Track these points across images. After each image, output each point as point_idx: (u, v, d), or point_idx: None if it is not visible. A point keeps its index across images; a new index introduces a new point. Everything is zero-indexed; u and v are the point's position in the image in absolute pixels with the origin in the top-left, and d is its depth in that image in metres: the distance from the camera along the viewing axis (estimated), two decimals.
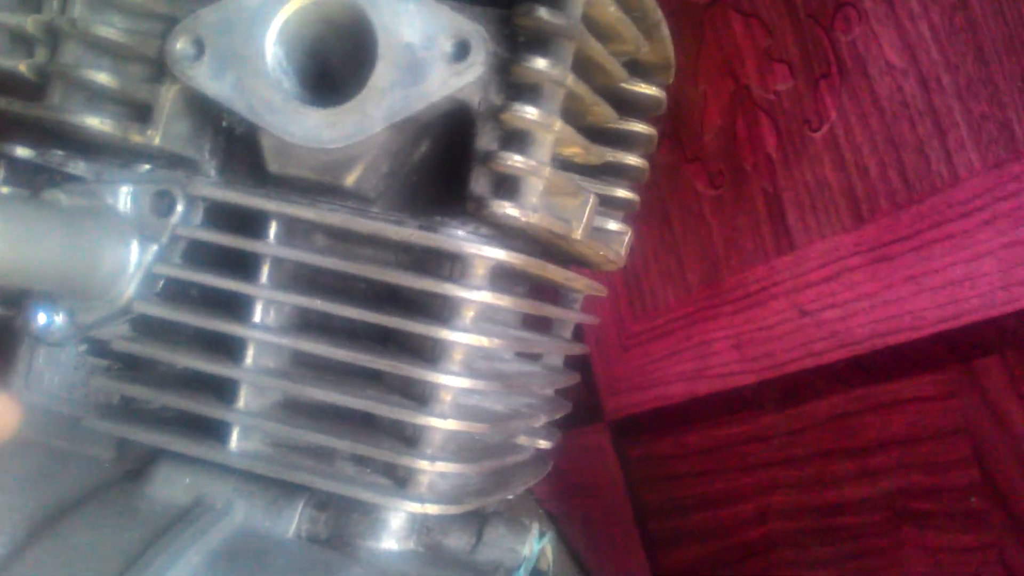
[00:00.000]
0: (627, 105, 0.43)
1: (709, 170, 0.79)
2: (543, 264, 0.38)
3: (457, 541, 0.39)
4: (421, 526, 0.38)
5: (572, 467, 0.83)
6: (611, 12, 0.36)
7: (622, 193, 0.45)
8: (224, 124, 0.39)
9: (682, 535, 0.88)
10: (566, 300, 0.48)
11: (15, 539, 0.35)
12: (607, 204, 0.44)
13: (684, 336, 0.84)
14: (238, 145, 0.40)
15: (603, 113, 0.38)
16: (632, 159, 0.44)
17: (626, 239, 0.46)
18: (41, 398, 0.40)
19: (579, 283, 0.43)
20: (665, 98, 0.45)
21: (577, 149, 0.37)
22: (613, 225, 0.45)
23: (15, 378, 0.41)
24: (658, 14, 0.41)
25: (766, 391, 0.78)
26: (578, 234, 0.38)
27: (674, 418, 0.85)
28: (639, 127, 0.44)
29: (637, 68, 0.43)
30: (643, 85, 0.43)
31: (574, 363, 0.51)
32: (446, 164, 0.39)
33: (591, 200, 0.38)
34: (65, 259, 0.35)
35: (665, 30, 0.43)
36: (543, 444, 0.46)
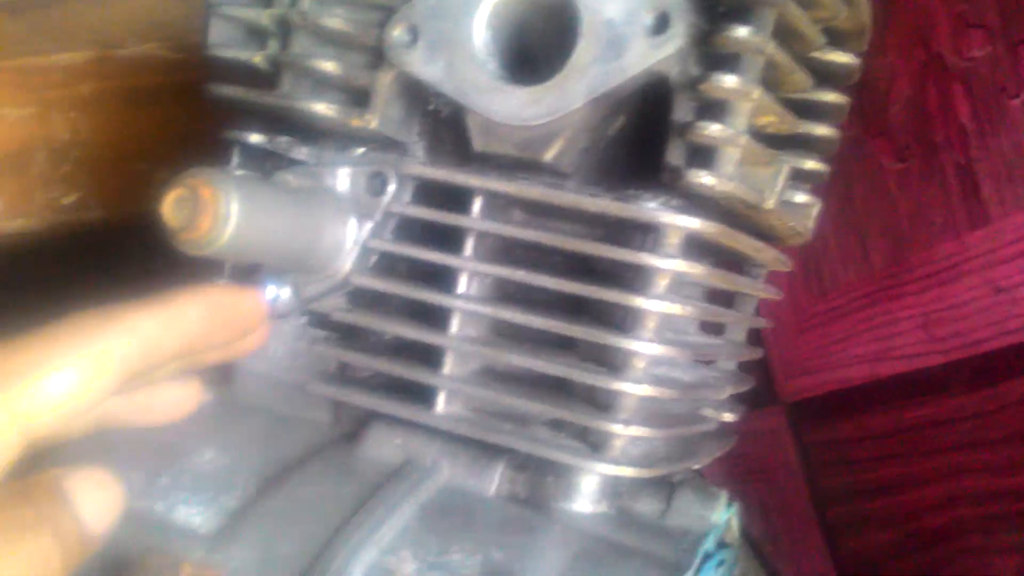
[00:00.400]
0: (819, 73, 0.43)
1: (896, 143, 0.76)
2: (736, 234, 0.39)
3: (647, 506, 0.40)
4: (612, 490, 0.40)
5: (746, 450, 0.82)
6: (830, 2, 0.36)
7: (811, 164, 0.45)
8: (431, 107, 0.42)
9: (863, 521, 0.86)
10: (750, 274, 0.49)
11: (246, 493, 0.39)
12: (796, 175, 0.44)
13: (866, 316, 0.81)
14: (443, 127, 0.42)
15: (800, 81, 0.38)
16: (823, 129, 0.44)
17: (814, 212, 0.46)
18: (267, 366, 0.44)
19: (768, 255, 0.43)
20: (859, 65, 0.44)
21: (772, 118, 0.38)
22: (801, 197, 0.45)
23: None
24: None
25: (955, 372, 0.75)
26: (770, 204, 0.38)
27: (855, 401, 0.83)
28: (832, 96, 0.44)
29: (831, 35, 0.43)
30: (838, 53, 0.42)
31: (752, 342, 0.51)
32: (638, 137, 0.40)
33: (784, 170, 0.38)
34: (294, 235, 0.39)
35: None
36: (728, 417, 0.46)
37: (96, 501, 0.32)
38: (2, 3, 0.75)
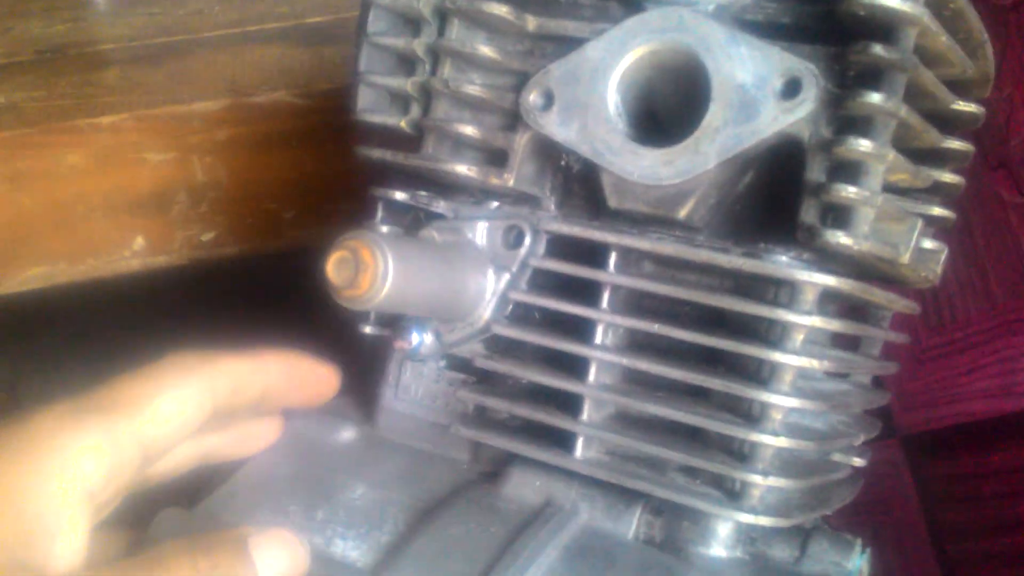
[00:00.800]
0: (945, 121, 0.43)
1: (1016, 176, 0.75)
2: (870, 288, 0.39)
3: (782, 552, 0.41)
4: (747, 536, 0.41)
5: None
6: (942, 41, 0.37)
7: (939, 211, 0.45)
8: (563, 164, 0.44)
9: (984, 558, 0.84)
10: (875, 318, 0.49)
11: (397, 529, 0.41)
12: (925, 223, 0.44)
13: (988, 351, 0.80)
14: (574, 181, 0.44)
15: (931, 138, 0.39)
16: (949, 177, 0.44)
17: (942, 256, 0.46)
18: (408, 407, 0.47)
19: (899, 304, 0.44)
20: (984, 113, 0.45)
21: (905, 176, 0.38)
22: (929, 244, 0.45)
23: (386, 389, 0.48)
24: (984, 35, 0.41)
25: None
26: (906, 259, 0.39)
27: (977, 436, 0.81)
28: (958, 144, 0.44)
29: (956, 85, 0.43)
30: (964, 104, 0.43)
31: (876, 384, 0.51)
32: (768, 192, 0.41)
33: (919, 224, 0.39)
34: (441, 288, 0.41)
35: (989, 49, 0.42)
36: (858, 462, 0.47)
37: (280, 561, 0.35)
38: (140, 53, 0.81)
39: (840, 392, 0.43)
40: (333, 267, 0.37)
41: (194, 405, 0.39)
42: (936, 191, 0.45)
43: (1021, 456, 0.80)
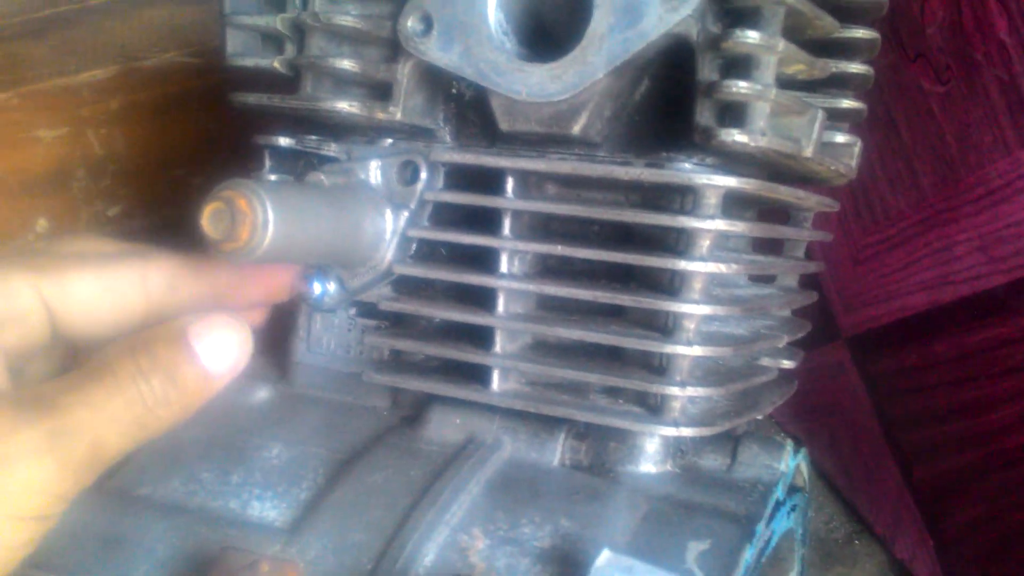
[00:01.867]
0: (847, 10, 0.41)
1: (935, 65, 0.74)
2: (774, 186, 0.38)
3: (712, 461, 0.40)
4: (675, 449, 0.40)
5: (812, 387, 0.82)
6: None
7: (848, 103, 0.44)
8: (454, 91, 0.42)
9: (937, 446, 0.85)
10: (796, 219, 0.48)
11: (317, 483, 0.40)
12: (833, 117, 0.43)
13: (922, 243, 0.80)
14: (468, 109, 0.42)
15: (825, 25, 0.38)
16: (856, 67, 0.43)
17: (856, 150, 0.45)
18: (322, 359, 0.45)
19: (810, 201, 0.43)
20: (886, 1, 0.43)
21: (801, 66, 0.37)
22: (841, 138, 0.44)
23: (298, 343, 0.46)
24: None
25: (1021, 290, 0.74)
26: (808, 152, 0.38)
27: (919, 328, 0.82)
28: (862, 33, 0.43)
29: None
30: None
31: (807, 283, 0.50)
32: (665, 100, 0.40)
33: (819, 116, 0.38)
34: (334, 233, 0.39)
35: None
36: (787, 364, 0.46)
37: (223, 345, 0.35)
38: (25, 28, 0.77)
39: (758, 296, 0.43)
40: (208, 220, 0.35)
41: (120, 292, 0.36)
42: (845, 84, 0.44)
43: (962, 344, 0.80)
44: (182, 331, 0.35)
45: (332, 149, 0.43)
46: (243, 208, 0.35)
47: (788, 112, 0.36)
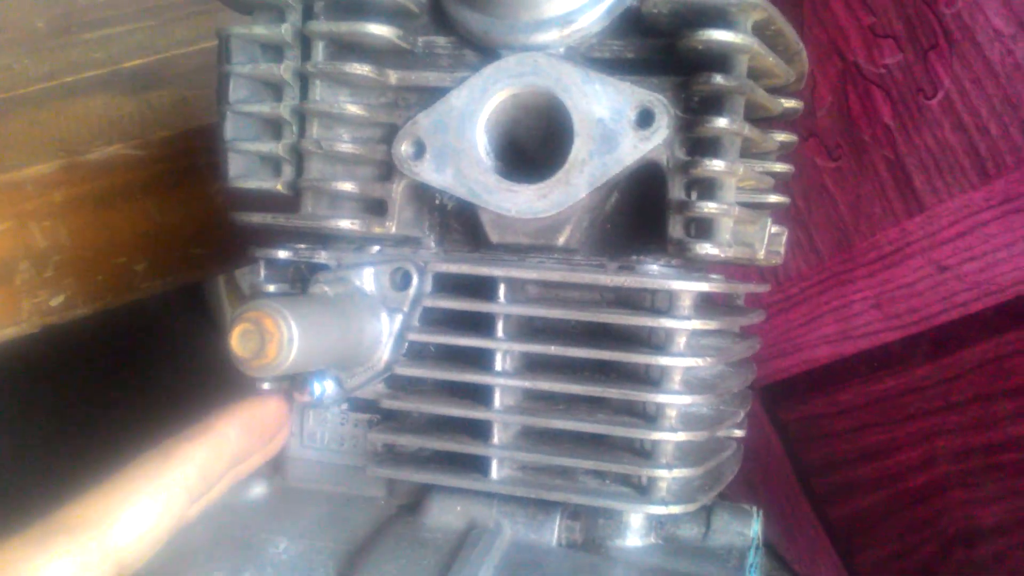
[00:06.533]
0: (772, 120, 0.47)
1: (826, 144, 0.82)
2: (736, 285, 0.44)
3: (689, 531, 0.45)
4: (657, 522, 0.44)
5: None
6: (769, 60, 0.41)
7: (775, 199, 0.50)
8: (437, 202, 0.46)
9: (847, 488, 0.93)
10: (731, 298, 0.53)
11: None
12: (767, 209, 0.49)
13: (821, 301, 0.88)
14: (451, 218, 0.46)
15: (768, 144, 0.44)
16: (781, 166, 0.49)
17: (783, 238, 0.51)
18: (315, 453, 0.48)
19: (756, 289, 0.48)
20: (803, 105, 0.50)
21: (752, 182, 0.43)
22: (775, 229, 0.50)
23: (291, 439, 0.48)
24: (799, 43, 0.46)
25: (915, 344, 0.82)
26: (761, 255, 0.43)
27: (824, 379, 0.89)
28: (785, 137, 0.49)
29: (779, 88, 0.48)
30: (787, 101, 0.48)
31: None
32: (631, 208, 0.45)
33: (768, 222, 0.43)
34: (343, 341, 0.42)
35: (804, 53, 0.47)
36: (739, 433, 0.51)
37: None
38: None
39: (720, 376, 0.48)
40: (238, 340, 0.38)
41: (164, 510, 0.38)
42: (774, 178, 0.50)
43: (864, 392, 0.88)
44: None
45: (323, 257, 0.46)
46: (270, 328, 0.38)
47: (744, 222, 0.42)
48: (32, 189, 0.71)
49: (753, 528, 0.45)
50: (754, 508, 0.46)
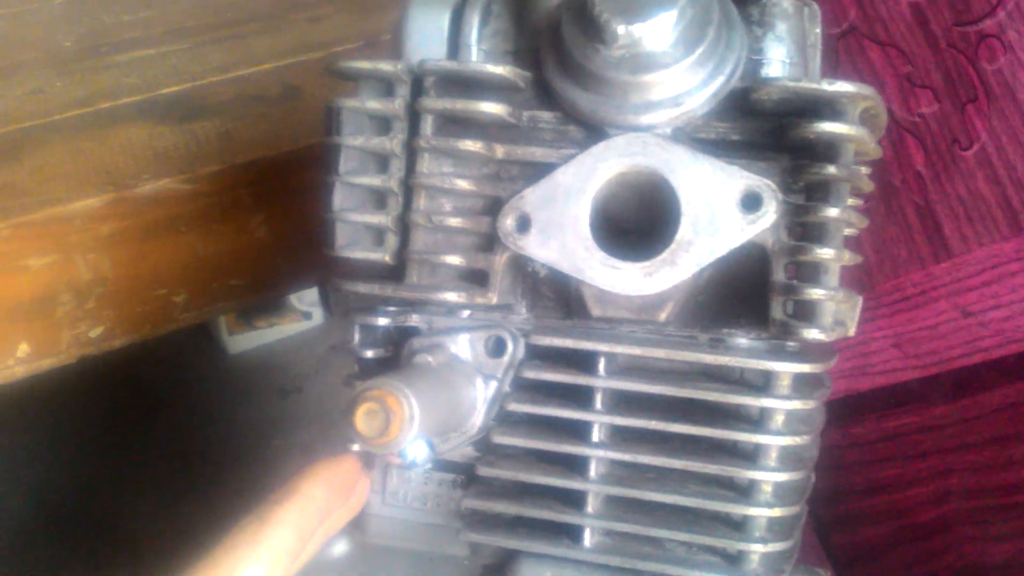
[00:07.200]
0: None
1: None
2: (830, 363, 0.45)
3: None
4: None
5: None
6: (870, 146, 0.43)
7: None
8: (530, 270, 0.47)
9: (854, 518, 0.95)
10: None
11: None
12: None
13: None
14: (542, 284, 0.47)
15: (863, 223, 0.45)
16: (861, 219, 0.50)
17: (858, 308, 0.52)
18: (398, 511, 0.49)
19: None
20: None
21: (848, 262, 0.44)
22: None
23: (372, 496, 0.49)
24: (885, 117, 0.47)
25: (934, 385, 0.85)
26: (852, 331, 0.45)
27: (838, 411, 0.91)
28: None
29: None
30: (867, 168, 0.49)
31: None
32: (722, 283, 0.46)
33: (859, 302, 0.45)
34: (448, 410, 0.43)
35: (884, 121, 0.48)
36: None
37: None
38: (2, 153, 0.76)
39: (808, 447, 0.48)
40: (362, 420, 0.39)
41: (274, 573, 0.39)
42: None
43: (878, 428, 0.91)
44: None
45: (414, 320, 0.47)
46: (394, 407, 0.38)
47: (841, 302, 0.43)
48: (80, 222, 0.71)
49: None
50: (827, 571, 0.47)
